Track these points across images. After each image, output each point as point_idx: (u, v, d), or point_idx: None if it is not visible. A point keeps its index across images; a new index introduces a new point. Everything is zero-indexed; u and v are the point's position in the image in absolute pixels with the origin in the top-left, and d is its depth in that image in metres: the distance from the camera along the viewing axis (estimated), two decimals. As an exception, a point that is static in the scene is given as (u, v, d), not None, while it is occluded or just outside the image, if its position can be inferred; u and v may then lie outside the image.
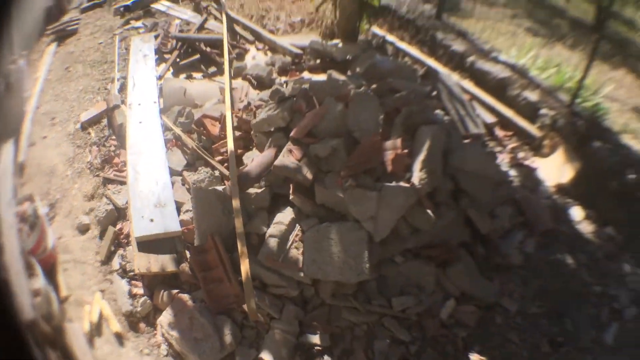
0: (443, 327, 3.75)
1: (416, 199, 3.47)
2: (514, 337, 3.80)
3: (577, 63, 5.21)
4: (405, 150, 3.68)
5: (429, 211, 3.54)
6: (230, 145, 4.10)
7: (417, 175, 3.59)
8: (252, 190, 3.92)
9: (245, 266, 3.49)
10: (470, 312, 3.79)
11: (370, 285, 3.71)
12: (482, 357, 3.70)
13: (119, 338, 3.74)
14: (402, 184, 3.56)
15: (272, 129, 4.07)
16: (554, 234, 4.36)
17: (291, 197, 3.77)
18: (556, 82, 4.97)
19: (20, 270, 3.36)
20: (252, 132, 4.23)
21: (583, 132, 4.47)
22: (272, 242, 3.66)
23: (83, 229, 4.43)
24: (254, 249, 3.77)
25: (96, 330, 3.76)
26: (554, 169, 4.58)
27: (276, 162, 3.65)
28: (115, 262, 4.14)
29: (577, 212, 4.50)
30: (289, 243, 3.70)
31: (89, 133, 5.24)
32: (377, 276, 3.72)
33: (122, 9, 6.65)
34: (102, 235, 4.32)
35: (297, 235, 3.73)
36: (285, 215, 3.80)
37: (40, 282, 3.54)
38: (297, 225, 3.77)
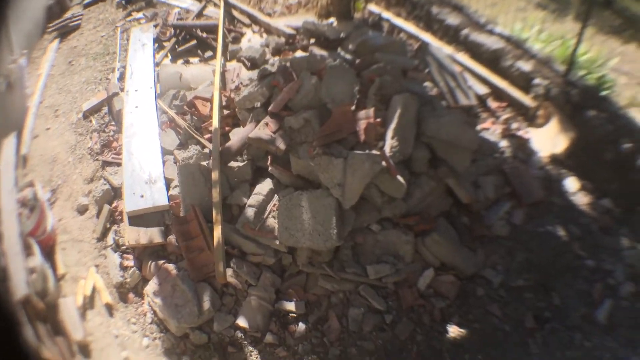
0: (421, 297, 4.13)
1: (383, 166, 3.98)
2: (495, 310, 4.09)
3: (586, 37, 5.61)
4: (378, 119, 4.24)
5: (399, 178, 4.06)
6: (215, 122, 4.78)
7: (389, 143, 4.11)
8: (234, 164, 4.58)
9: (217, 232, 4.09)
10: (450, 282, 4.17)
11: (346, 253, 4.22)
12: (460, 330, 4.04)
13: (109, 309, 4.47)
14: (374, 152, 4.13)
15: (254, 105, 4.74)
16: (546, 206, 4.67)
17: (269, 168, 4.42)
18: (559, 54, 5.38)
19: (19, 252, 4.18)
20: (236, 110, 4.94)
21: (577, 102, 4.84)
22: (250, 212, 4.28)
23: (82, 210, 5.26)
24: (236, 220, 4.41)
25: (89, 303, 4.51)
26: (548, 139, 4.94)
27: (251, 134, 4.28)
28: (110, 238, 4.91)
29: (572, 184, 4.80)
30: (267, 212, 4.32)
31: (90, 121, 6.11)
32: (353, 244, 4.27)
33: (123, 1, 7.61)
34: (98, 214, 5.11)
35: (274, 205, 4.32)
36: (264, 186, 4.42)
37: (37, 260, 4.30)
38: (275, 195, 4.38)
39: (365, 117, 4.23)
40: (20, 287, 3.91)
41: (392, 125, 4.15)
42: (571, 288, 4.22)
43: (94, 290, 4.60)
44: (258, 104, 4.68)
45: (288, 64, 4.66)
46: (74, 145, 6.04)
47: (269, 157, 4.41)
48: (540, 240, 4.50)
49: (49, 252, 4.81)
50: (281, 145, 4.23)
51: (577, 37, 4.99)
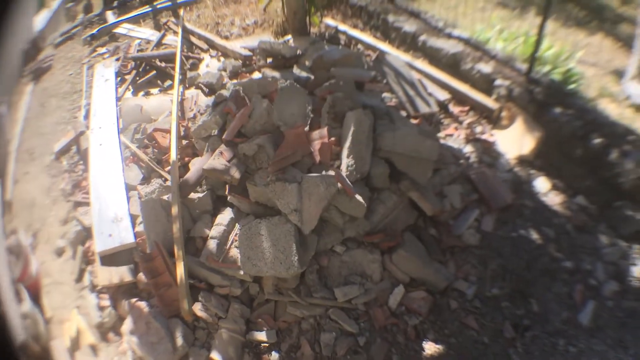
0: (393, 315, 4.01)
1: (339, 187, 3.84)
2: (472, 322, 3.96)
3: (548, 32, 5.47)
4: (332, 139, 4.13)
5: (358, 197, 3.94)
6: (173, 154, 4.69)
7: (345, 162, 4.01)
8: (194, 195, 4.49)
9: (180, 269, 4.02)
10: (421, 298, 4.03)
11: (312, 278, 4.09)
12: (437, 346, 3.88)
13: (94, 349, 4.38)
14: (330, 172, 4.02)
15: (210, 134, 4.65)
16: (516, 209, 4.55)
17: (228, 197, 4.34)
18: (523, 52, 5.24)
19: (12, 298, 4.22)
20: (193, 139, 4.86)
21: (541, 100, 4.70)
22: (212, 244, 4.17)
23: (59, 252, 5.17)
24: (200, 252, 4.29)
25: (75, 344, 4.41)
26: (514, 141, 4.80)
27: (205, 166, 4.18)
28: (86, 279, 4.82)
29: (542, 184, 4.67)
30: (229, 243, 4.22)
31: (61, 162, 6.08)
32: (318, 267, 4.15)
33: (89, 38, 7.60)
34: (74, 256, 5.02)
35: (236, 234, 4.25)
36: (225, 216, 4.32)
37: (27, 306, 4.21)
38: (236, 224, 4.26)
39: (319, 137, 4.12)
40: (18, 333, 3.90)
41: (347, 144, 4.04)
42: (550, 292, 4.08)
43: (78, 331, 4.49)
44: (215, 132, 4.59)
45: (240, 89, 4.57)
46: (49, 188, 5.97)
47: (227, 186, 4.31)
48: (513, 245, 4.35)
49: (35, 297, 4.68)
50: (236, 174, 4.13)
51: (538, 32, 4.86)
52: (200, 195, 4.48)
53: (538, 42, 4.89)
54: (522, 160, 4.81)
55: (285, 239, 3.88)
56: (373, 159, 4.15)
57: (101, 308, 4.60)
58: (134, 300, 4.39)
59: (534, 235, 4.41)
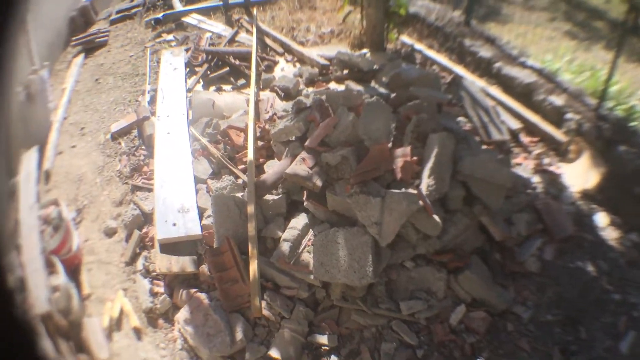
0: (452, 332, 4.26)
1: (420, 205, 4.14)
2: (524, 345, 4.21)
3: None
4: (415, 158, 4.38)
5: (435, 217, 4.20)
6: (250, 154, 4.95)
7: (425, 182, 4.26)
8: (269, 197, 4.73)
9: (253, 266, 4.26)
10: (481, 318, 4.28)
11: (380, 289, 4.36)
12: (490, 365, 4.17)
13: (138, 333, 4.59)
14: (410, 190, 4.27)
15: (290, 139, 4.90)
16: (576, 241, 4.82)
17: (305, 203, 4.58)
18: (589, 86, 5.50)
19: (39, 268, 4.20)
20: (271, 142, 5.11)
21: (608, 136, 4.97)
22: (285, 246, 4.42)
23: (110, 233, 5.40)
24: (269, 253, 4.59)
25: (116, 325, 4.63)
26: (579, 175, 5.07)
27: (288, 170, 4.45)
28: (139, 263, 5.04)
29: (602, 219, 4.93)
30: (302, 247, 4.48)
31: (119, 143, 6.27)
32: (387, 280, 4.42)
33: (153, 22, 7.73)
34: (127, 239, 5.25)
35: (309, 240, 4.48)
36: (299, 221, 4.57)
37: (60, 279, 4.38)
38: (310, 230, 4.53)
39: (402, 155, 4.37)
40: (41, 302, 3.97)
41: (429, 164, 4.29)
42: (598, 321, 4.35)
43: (121, 312, 4.72)
44: (293, 137, 4.83)
45: (324, 98, 4.81)
46: (102, 167, 6.20)
47: (304, 191, 4.56)
48: (570, 275, 4.63)
49: (74, 272, 4.94)
50: (318, 182, 4.38)
51: (610, 68, 5.09)
52: (275, 197, 4.72)
53: (609, 79, 5.13)
54: (585, 195, 5.07)
55: (362, 250, 4.13)
56: (451, 182, 4.40)
57: (154, 294, 4.81)
58: (193, 290, 4.61)
59: (590, 267, 4.69)
